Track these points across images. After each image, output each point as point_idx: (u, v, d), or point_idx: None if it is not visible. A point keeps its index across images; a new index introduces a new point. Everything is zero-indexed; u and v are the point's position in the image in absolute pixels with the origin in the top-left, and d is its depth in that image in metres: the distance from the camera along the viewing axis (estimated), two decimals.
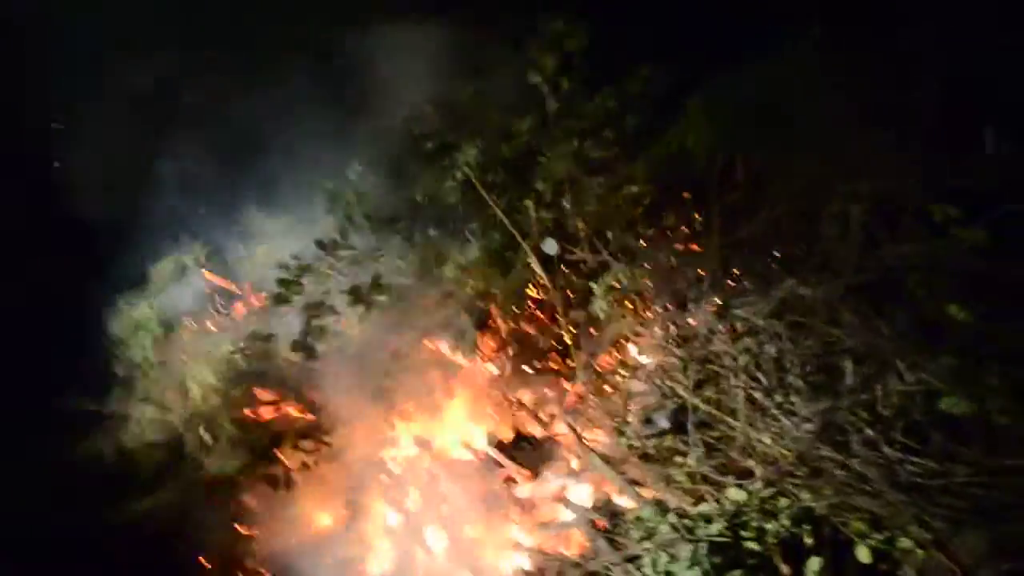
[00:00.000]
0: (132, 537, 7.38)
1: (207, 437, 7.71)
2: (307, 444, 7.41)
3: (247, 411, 7.74)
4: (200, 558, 7.15)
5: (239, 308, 8.68)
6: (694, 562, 4.64)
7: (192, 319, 9.02)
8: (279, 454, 7.68)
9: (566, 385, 7.47)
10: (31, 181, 8.51)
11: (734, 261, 6.87)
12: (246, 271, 8.74)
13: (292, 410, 7.81)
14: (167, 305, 9.03)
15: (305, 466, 7.24)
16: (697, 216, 7.08)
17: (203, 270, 8.84)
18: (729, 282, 6.87)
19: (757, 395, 6.09)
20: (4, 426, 7.93)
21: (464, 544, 6.42)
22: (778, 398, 5.96)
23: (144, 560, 7.16)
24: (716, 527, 5.07)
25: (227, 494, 7.31)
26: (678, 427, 6.27)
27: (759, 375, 6.19)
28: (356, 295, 6.46)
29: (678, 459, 6.05)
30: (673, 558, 4.79)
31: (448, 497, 6.77)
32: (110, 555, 7.30)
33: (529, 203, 6.66)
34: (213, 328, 8.86)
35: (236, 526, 7.18)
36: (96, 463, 8.38)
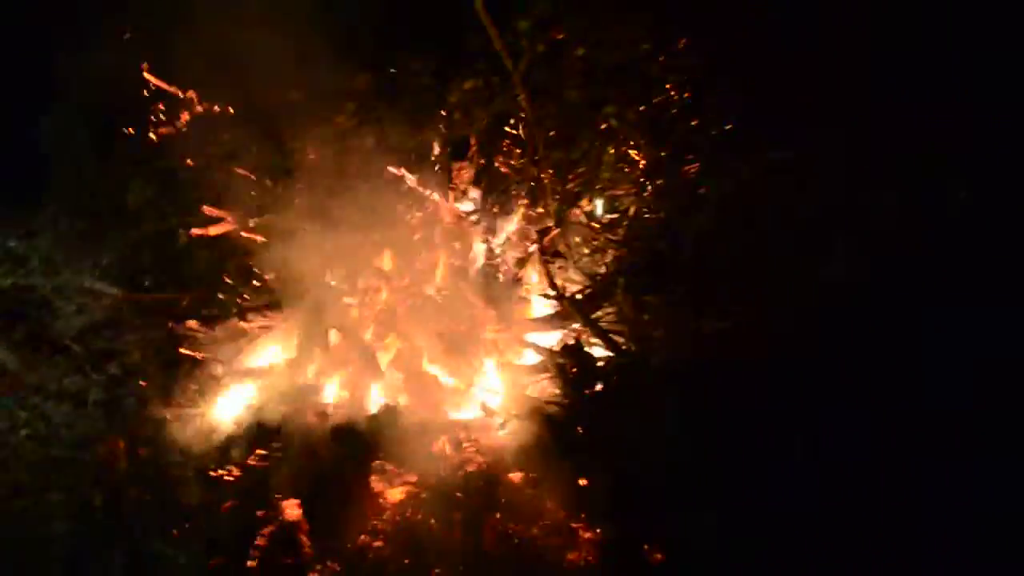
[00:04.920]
0: None
1: None
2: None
3: (196, 231, 7.17)
4: None
5: (184, 117, 7.81)
6: None
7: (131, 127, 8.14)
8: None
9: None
10: None
11: None
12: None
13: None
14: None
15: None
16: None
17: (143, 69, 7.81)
18: None
19: None
20: None
21: (424, 380, 6.20)
22: None
23: None
24: None
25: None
26: None
27: None
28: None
29: None
30: None
31: (408, 334, 6.48)
32: None
33: (525, 24, 5.98)
34: (154, 138, 8.03)
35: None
36: None
